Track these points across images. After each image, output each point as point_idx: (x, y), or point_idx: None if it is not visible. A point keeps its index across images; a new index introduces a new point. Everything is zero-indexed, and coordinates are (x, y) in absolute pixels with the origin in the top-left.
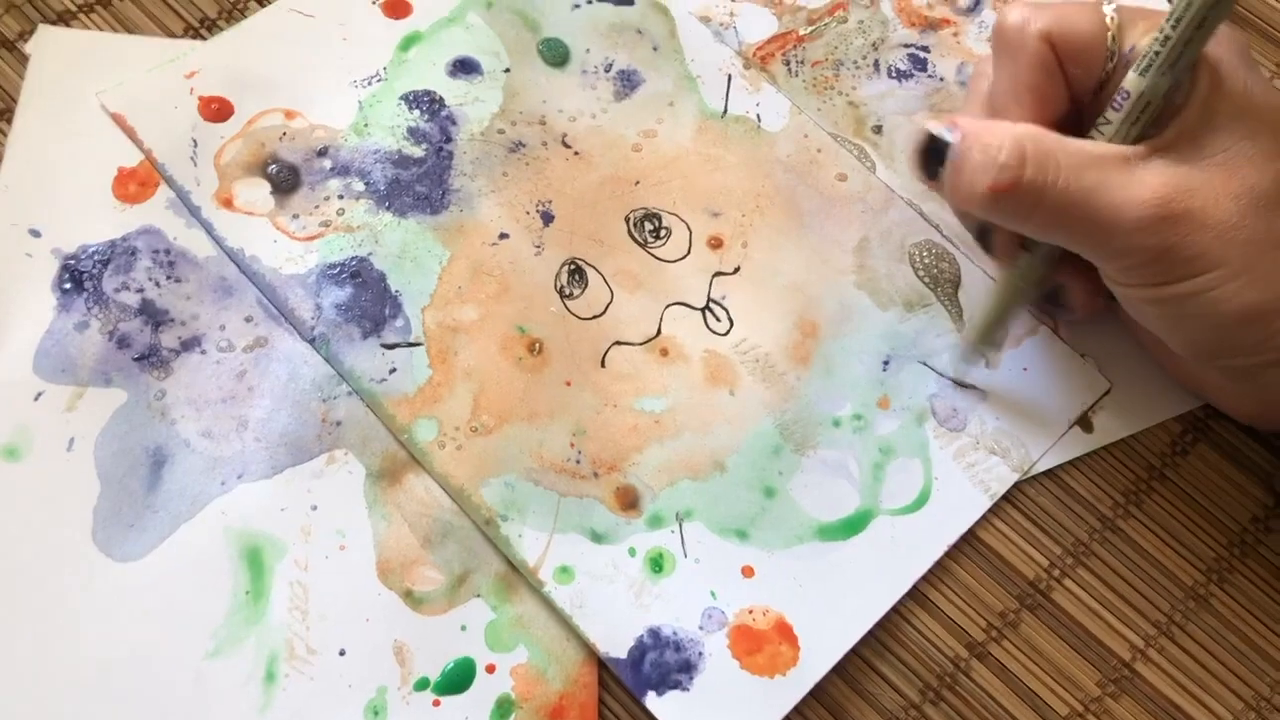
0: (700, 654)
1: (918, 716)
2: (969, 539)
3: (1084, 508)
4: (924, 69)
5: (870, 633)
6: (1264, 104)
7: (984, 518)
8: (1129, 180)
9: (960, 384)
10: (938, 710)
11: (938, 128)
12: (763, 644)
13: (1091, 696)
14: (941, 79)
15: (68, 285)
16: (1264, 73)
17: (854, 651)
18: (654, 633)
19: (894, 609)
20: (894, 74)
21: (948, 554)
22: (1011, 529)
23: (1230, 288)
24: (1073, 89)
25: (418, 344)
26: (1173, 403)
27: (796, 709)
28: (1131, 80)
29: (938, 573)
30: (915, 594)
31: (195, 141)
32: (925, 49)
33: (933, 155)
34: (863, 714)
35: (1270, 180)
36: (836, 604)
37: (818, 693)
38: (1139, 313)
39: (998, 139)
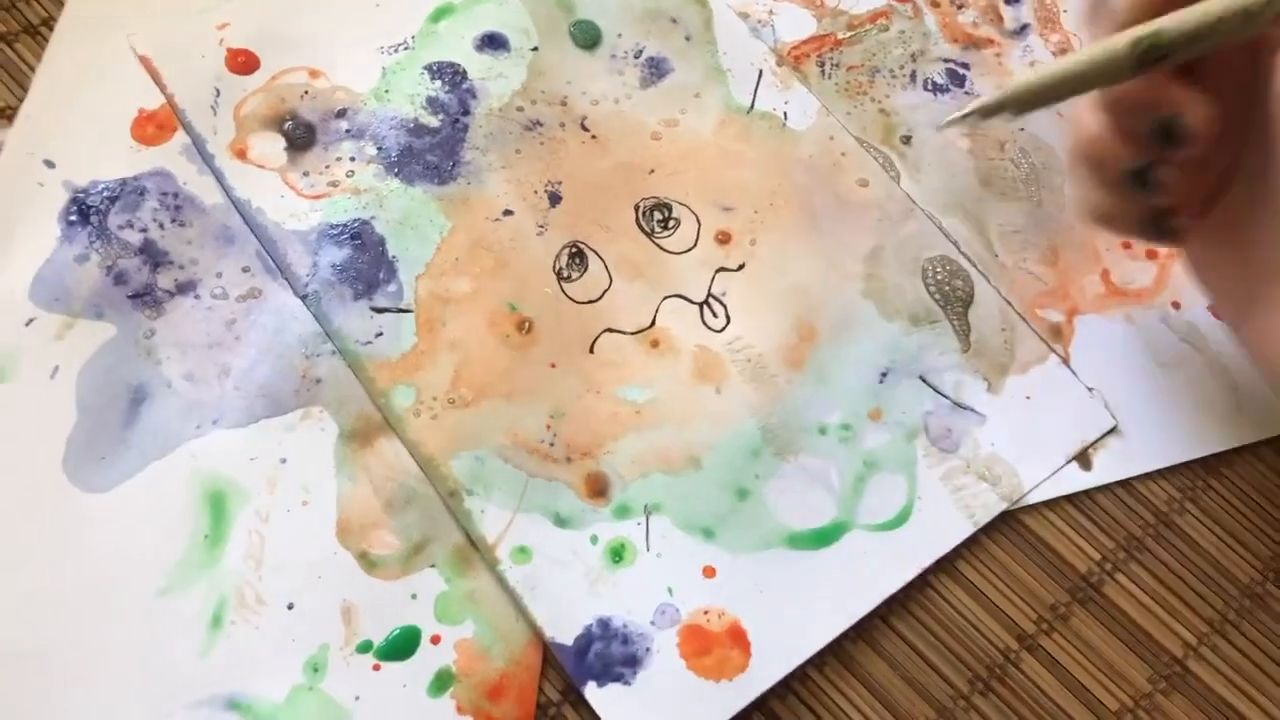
0: (648, 650)
1: (966, 707)
2: (1020, 529)
3: (1139, 502)
4: (961, 85)
5: (919, 619)
6: None
7: (1035, 508)
8: None
9: (958, 405)
10: (987, 701)
11: None
12: (713, 646)
13: (1143, 693)
14: (979, 97)
15: (74, 217)
16: None
17: (902, 638)
18: (603, 623)
19: (943, 597)
20: (930, 87)
21: (996, 543)
22: (1063, 520)
23: None
24: None
25: (407, 310)
26: (1182, 447)
27: (841, 690)
28: None
29: (988, 563)
30: (964, 583)
31: (218, 91)
32: (965, 66)
33: None
34: (911, 702)
35: None
36: (795, 615)
37: (863, 675)
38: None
39: None
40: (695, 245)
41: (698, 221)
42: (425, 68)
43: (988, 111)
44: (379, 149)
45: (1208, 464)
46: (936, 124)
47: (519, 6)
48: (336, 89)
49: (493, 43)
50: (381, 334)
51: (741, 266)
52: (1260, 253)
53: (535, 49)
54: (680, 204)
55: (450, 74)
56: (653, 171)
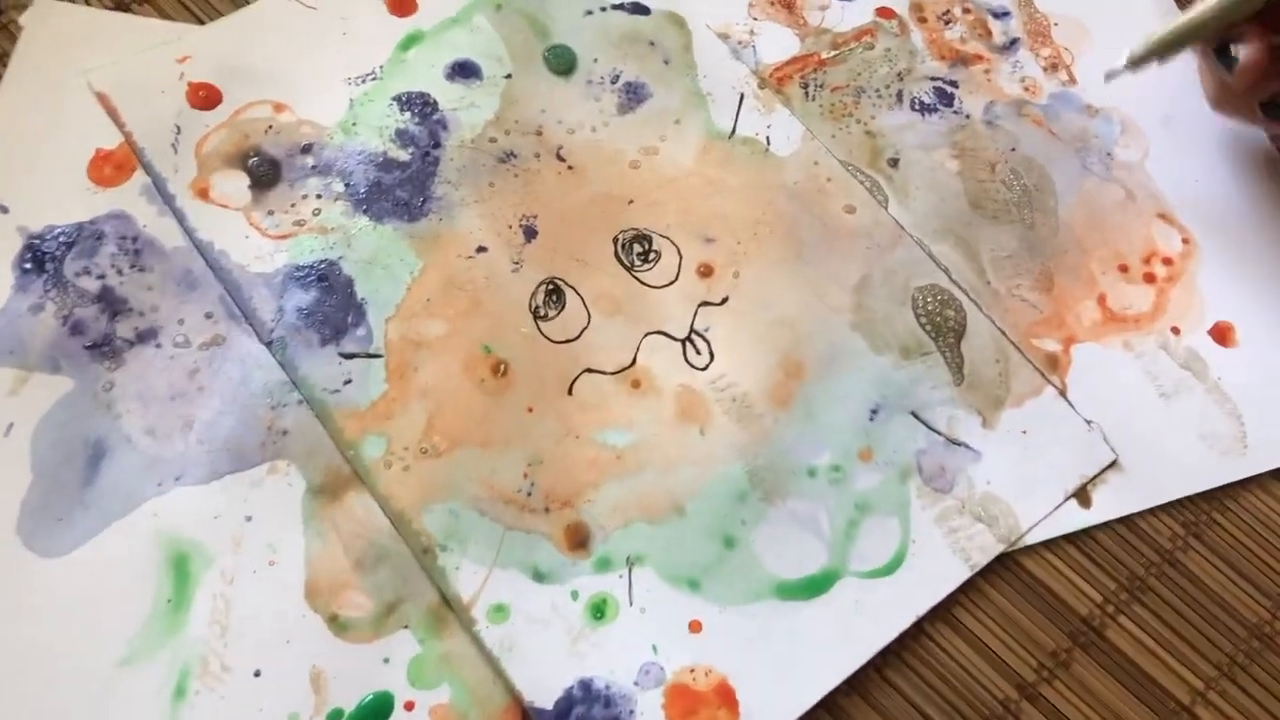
0: (631, 712)
1: None
2: (1018, 571)
3: (1141, 539)
4: (949, 104)
5: (915, 670)
6: None
7: (1033, 548)
8: None
9: (952, 441)
10: None
11: None
12: (699, 707)
13: None
14: (968, 116)
15: (28, 265)
16: None
17: (897, 690)
18: (585, 685)
19: (940, 646)
20: (917, 106)
21: (994, 586)
22: (1063, 560)
23: None
24: None
25: (377, 356)
26: (1186, 481)
27: None
28: None
29: (986, 609)
30: (962, 630)
31: (179, 128)
32: (954, 83)
33: None
34: None
35: None
36: (786, 671)
37: None
38: None
39: None
40: (677, 279)
41: (679, 254)
42: (394, 98)
43: (1137, 60)
44: (346, 185)
45: (1212, 497)
46: (1105, 72)
47: (491, 32)
48: (302, 123)
49: (464, 71)
50: (350, 381)
51: (725, 300)
52: None
53: (508, 76)
54: (661, 235)
55: (420, 105)
56: (632, 202)
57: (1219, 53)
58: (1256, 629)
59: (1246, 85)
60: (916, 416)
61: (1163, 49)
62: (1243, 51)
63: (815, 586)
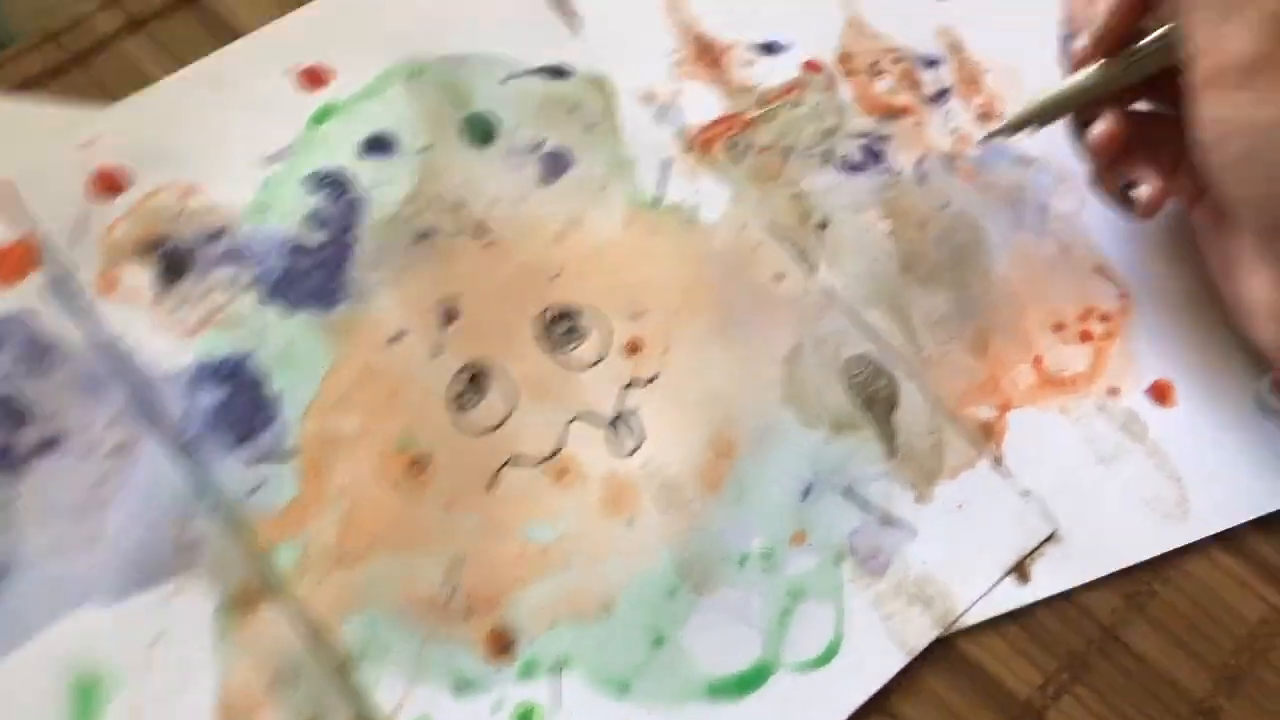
0: None
1: None
2: (955, 654)
3: (1082, 613)
4: (878, 161)
5: None
6: None
7: (971, 630)
8: None
9: (886, 520)
10: None
11: None
12: None
13: None
14: (898, 172)
15: None
16: None
17: None
18: None
19: None
20: (845, 166)
21: (931, 672)
22: (1001, 640)
23: None
24: None
25: (291, 457)
26: (1127, 551)
27: None
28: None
29: (924, 697)
30: None
31: (83, 218)
32: (883, 139)
33: None
34: None
35: None
36: None
37: None
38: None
39: None
40: (604, 357)
41: (607, 330)
42: (306, 177)
43: (1013, 126)
44: (257, 273)
45: (1153, 566)
46: (980, 136)
47: (407, 103)
48: (212, 207)
49: (380, 145)
50: (262, 485)
51: (654, 378)
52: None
53: (425, 149)
54: (587, 311)
55: (334, 183)
56: (557, 276)
57: (1082, 128)
58: (1199, 704)
59: (1097, 165)
60: (850, 494)
61: (1037, 116)
62: (1095, 129)
63: (747, 683)
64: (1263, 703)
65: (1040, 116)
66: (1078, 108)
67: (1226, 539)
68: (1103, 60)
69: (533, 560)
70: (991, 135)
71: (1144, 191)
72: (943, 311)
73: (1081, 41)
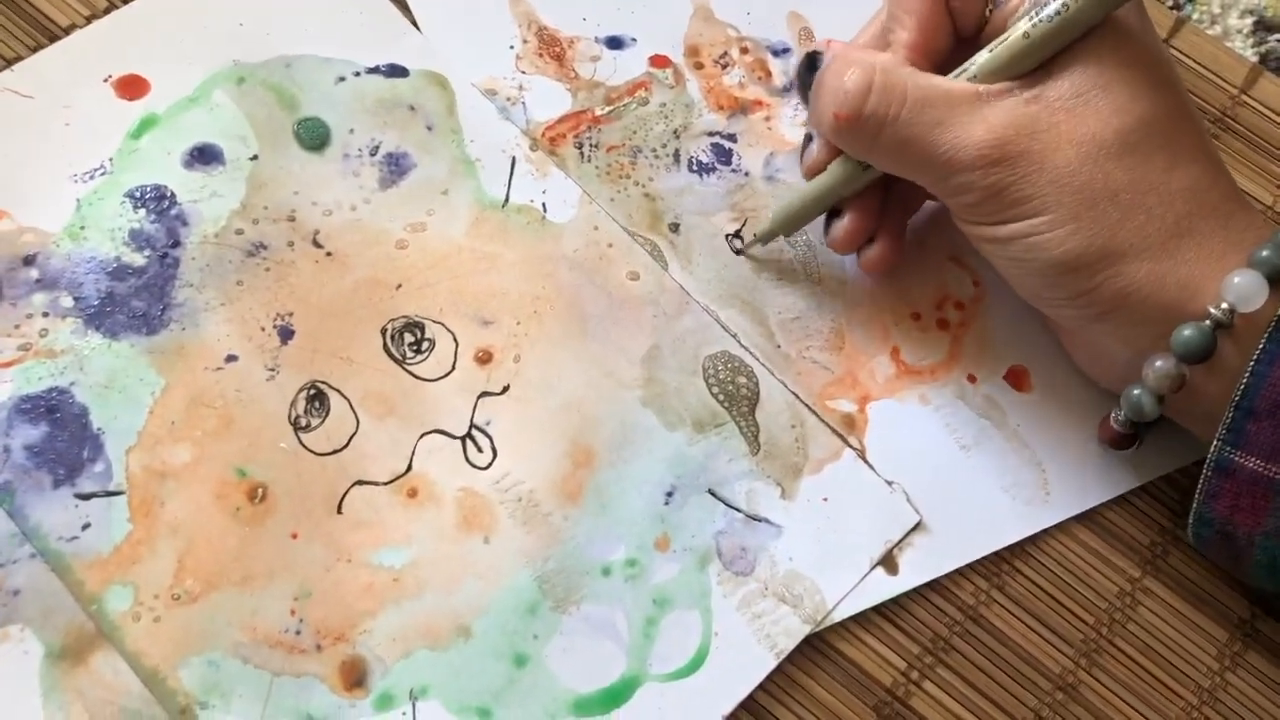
0: None
1: None
2: (821, 647)
3: (945, 598)
4: (727, 162)
5: None
6: (1130, 56)
7: (841, 624)
8: (972, 118)
9: (752, 518)
10: None
11: (818, 47)
12: None
13: None
14: (746, 174)
15: None
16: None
17: None
18: None
19: None
20: (695, 167)
21: (801, 669)
22: (869, 633)
23: (1056, 235)
24: (957, 23)
25: (118, 493)
26: (992, 536)
27: None
28: (1014, 28)
29: (795, 694)
30: None
31: None
32: (732, 137)
33: (811, 74)
34: None
35: (1113, 132)
36: None
37: None
38: (984, 252)
39: (851, 65)
40: (453, 369)
41: (455, 340)
42: (126, 194)
43: (764, 240)
44: (76, 299)
45: (1015, 546)
46: (734, 249)
47: (233, 110)
48: (24, 230)
49: (204, 156)
50: (89, 525)
51: (506, 389)
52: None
53: (254, 158)
54: (434, 322)
55: (156, 199)
56: (400, 286)
57: (829, 219)
58: (1060, 679)
59: (841, 254)
60: (714, 494)
61: (782, 230)
62: (836, 228)
63: (614, 698)
64: (1120, 675)
65: (786, 229)
66: (825, 210)
67: (1084, 514)
68: (839, 158)
69: (384, 588)
70: (744, 250)
71: (873, 251)
72: (798, 310)
73: (814, 146)
